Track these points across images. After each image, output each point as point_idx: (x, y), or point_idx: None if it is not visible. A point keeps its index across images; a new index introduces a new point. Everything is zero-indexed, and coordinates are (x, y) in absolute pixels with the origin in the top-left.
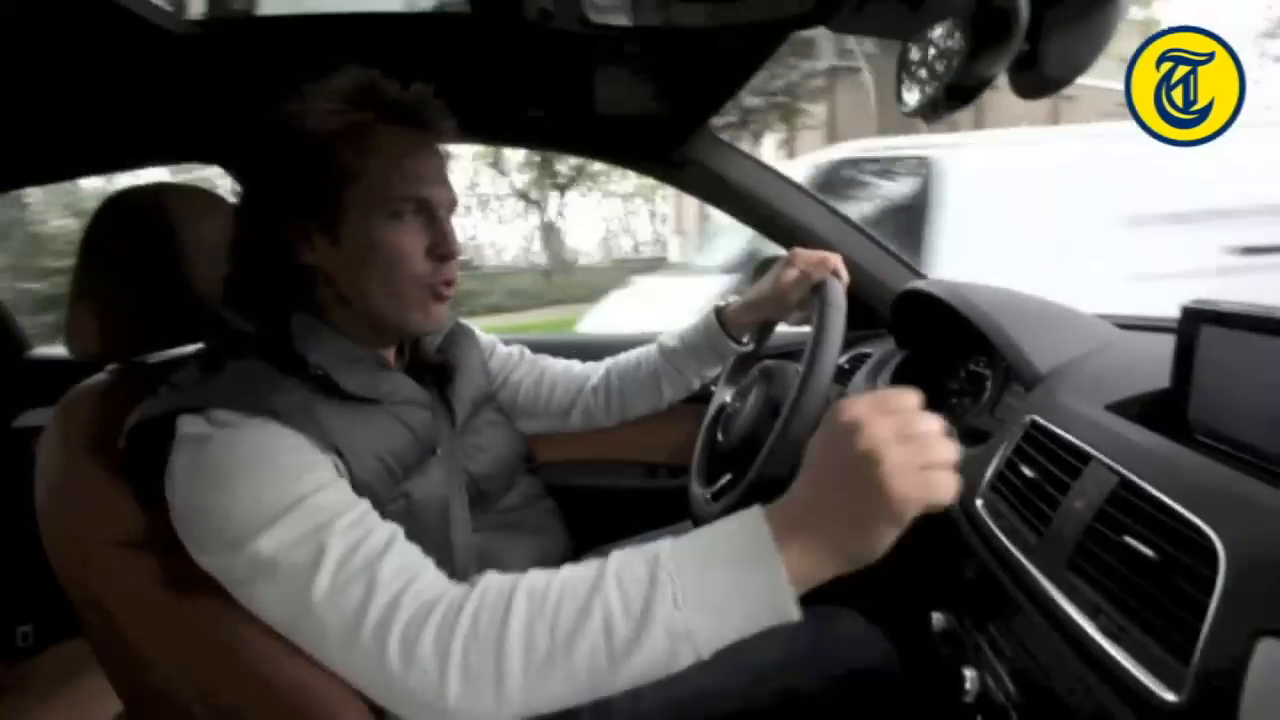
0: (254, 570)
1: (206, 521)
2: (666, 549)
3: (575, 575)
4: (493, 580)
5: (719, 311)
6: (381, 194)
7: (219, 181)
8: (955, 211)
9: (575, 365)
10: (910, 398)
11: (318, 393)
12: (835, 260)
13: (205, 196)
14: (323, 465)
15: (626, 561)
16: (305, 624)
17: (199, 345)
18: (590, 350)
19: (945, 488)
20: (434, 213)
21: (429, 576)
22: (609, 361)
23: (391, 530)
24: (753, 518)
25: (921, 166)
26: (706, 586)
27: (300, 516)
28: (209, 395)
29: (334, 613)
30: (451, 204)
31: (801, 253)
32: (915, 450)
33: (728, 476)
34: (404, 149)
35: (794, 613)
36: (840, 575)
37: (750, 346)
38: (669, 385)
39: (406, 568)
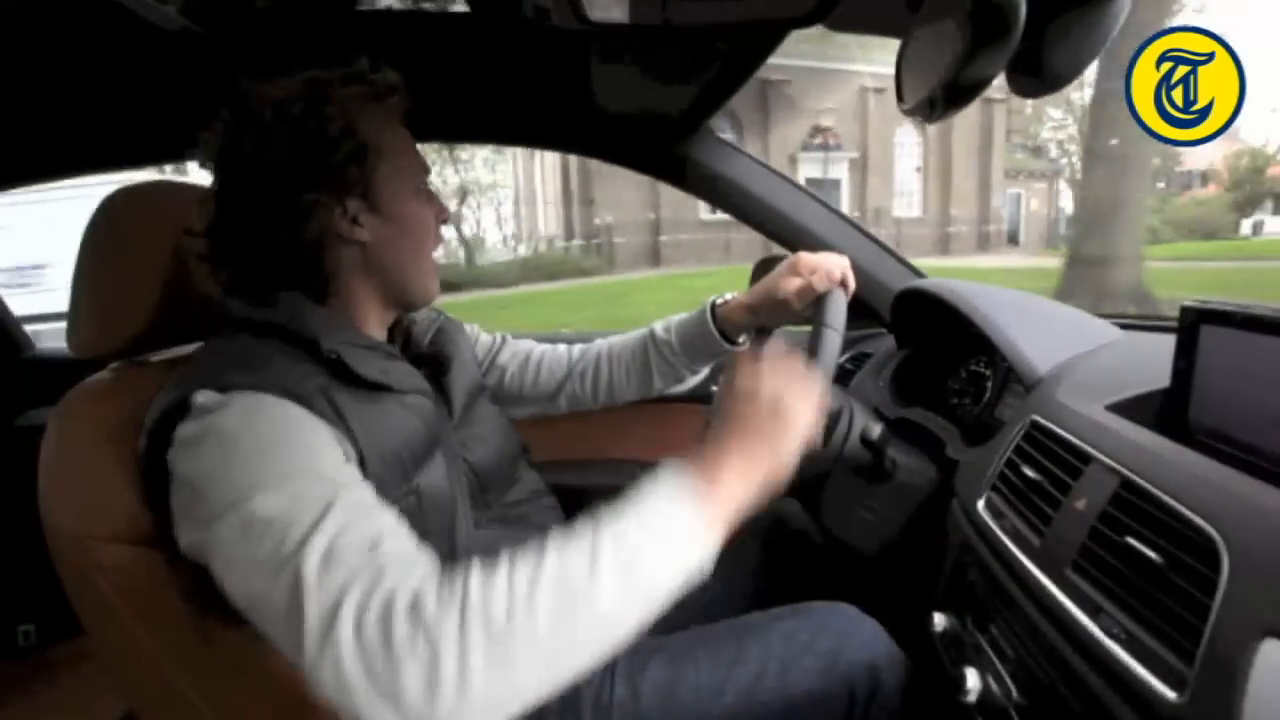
0: (243, 531)
1: (204, 486)
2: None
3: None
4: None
5: (714, 308)
6: (407, 168)
7: None
8: None
9: (562, 347)
10: (792, 358)
11: (333, 379)
12: (843, 267)
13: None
14: (336, 449)
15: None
16: (281, 594)
17: (200, 344)
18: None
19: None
20: (428, 186)
21: (420, 570)
22: (601, 344)
23: (395, 519)
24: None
25: None
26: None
27: (307, 483)
28: (224, 372)
29: (316, 589)
30: None
31: (805, 259)
32: (806, 394)
33: None
34: (402, 128)
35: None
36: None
37: (745, 347)
38: (659, 375)
39: (404, 555)
